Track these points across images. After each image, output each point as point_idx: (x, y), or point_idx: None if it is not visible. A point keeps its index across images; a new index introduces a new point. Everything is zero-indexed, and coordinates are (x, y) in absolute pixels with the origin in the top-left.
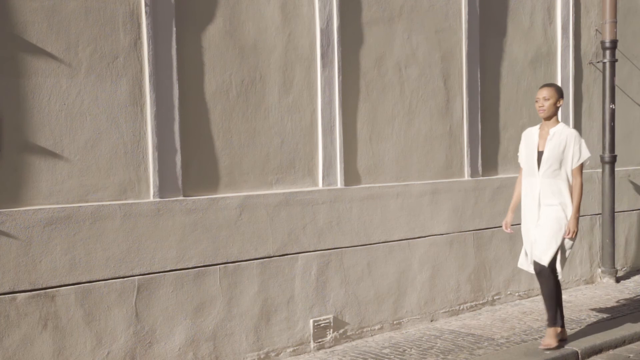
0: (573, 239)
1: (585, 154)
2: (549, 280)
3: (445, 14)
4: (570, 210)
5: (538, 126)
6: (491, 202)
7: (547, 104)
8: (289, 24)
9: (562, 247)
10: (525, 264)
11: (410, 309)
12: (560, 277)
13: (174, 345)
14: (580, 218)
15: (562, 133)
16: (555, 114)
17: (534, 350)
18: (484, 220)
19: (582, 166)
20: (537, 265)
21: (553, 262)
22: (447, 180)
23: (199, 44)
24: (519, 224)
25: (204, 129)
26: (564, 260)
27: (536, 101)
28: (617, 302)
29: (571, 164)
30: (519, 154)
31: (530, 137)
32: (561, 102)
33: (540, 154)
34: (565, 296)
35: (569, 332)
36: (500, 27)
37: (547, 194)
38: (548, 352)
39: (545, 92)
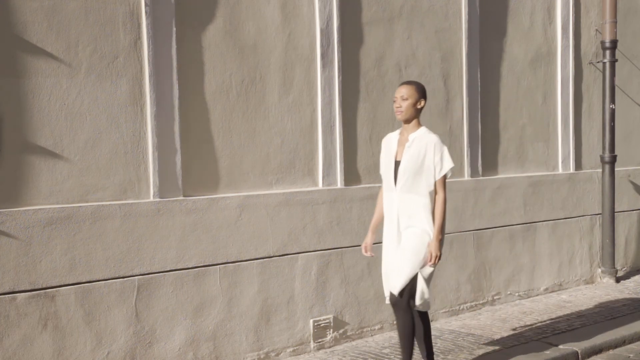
0: (434, 265)
1: (448, 164)
2: (405, 314)
3: (445, 14)
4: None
5: (398, 131)
6: (491, 202)
7: (405, 104)
8: (289, 24)
9: (427, 277)
10: (385, 284)
11: None
12: (420, 307)
13: (174, 345)
14: (580, 218)
15: (422, 139)
16: (415, 116)
17: (533, 350)
18: (484, 220)
19: (445, 178)
20: (392, 296)
21: (410, 293)
22: (447, 180)
23: (199, 44)
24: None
25: (204, 129)
26: (424, 291)
27: (394, 101)
28: (617, 302)
29: (433, 175)
30: (381, 163)
31: (389, 144)
32: (423, 104)
33: (397, 164)
34: (565, 296)
35: (570, 331)
36: (500, 27)
37: (406, 212)
38: (548, 351)
39: (403, 91)
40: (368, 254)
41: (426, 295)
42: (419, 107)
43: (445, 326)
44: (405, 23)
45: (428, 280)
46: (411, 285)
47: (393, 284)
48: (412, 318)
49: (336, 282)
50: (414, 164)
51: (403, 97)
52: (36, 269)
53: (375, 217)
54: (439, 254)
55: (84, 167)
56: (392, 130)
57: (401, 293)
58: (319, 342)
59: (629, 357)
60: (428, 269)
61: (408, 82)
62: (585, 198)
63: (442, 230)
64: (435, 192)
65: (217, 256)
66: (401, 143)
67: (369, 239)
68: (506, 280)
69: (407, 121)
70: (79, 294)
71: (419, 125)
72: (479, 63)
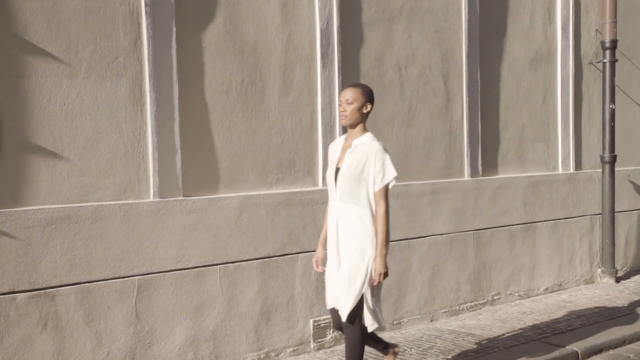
0: (381, 282)
1: (390, 173)
2: (354, 332)
3: (445, 14)
4: (374, 248)
5: (344, 136)
6: (491, 202)
7: (350, 108)
8: (289, 24)
9: (372, 295)
10: (327, 299)
11: (410, 309)
12: (374, 329)
13: (174, 345)
14: (580, 218)
15: (364, 146)
16: (360, 121)
17: (533, 350)
18: (484, 220)
19: (387, 189)
20: (335, 317)
21: (356, 313)
22: (447, 180)
23: (199, 44)
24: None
25: (204, 129)
26: (374, 311)
27: (339, 104)
28: (617, 302)
29: (373, 185)
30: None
31: (334, 150)
32: (369, 108)
33: (338, 172)
34: (565, 296)
35: (570, 331)
36: (500, 27)
37: (346, 224)
38: (548, 352)
39: (348, 94)
40: (319, 269)
41: (378, 317)
42: (364, 111)
43: (445, 326)
44: (405, 23)
45: (377, 300)
46: (357, 307)
47: (341, 309)
48: (361, 334)
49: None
50: (354, 171)
51: (348, 100)
52: (36, 269)
53: (324, 230)
54: (384, 271)
55: (84, 167)
56: (392, 129)
57: (349, 318)
58: (319, 342)
59: (629, 357)
60: (374, 290)
61: (354, 85)
62: (585, 198)
63: (385, 245)
64: (375, 202)
65: (217, 256)
66: (344, 149)
67: (319, 254)
68: (506, 280)
69: (352, 126)
70: (79, 294)
71: (365, 130)
72: (479, 63)
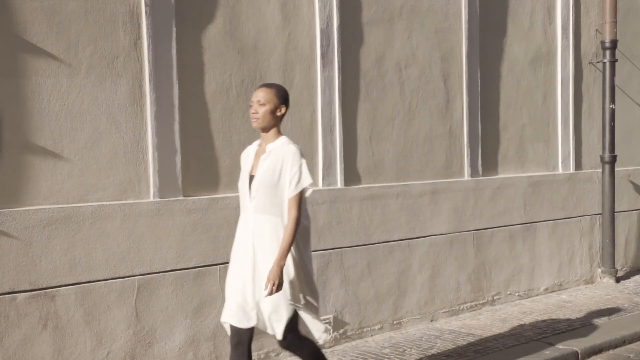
0: (271, 294)
1: (306, 179)
2: (303, 346)
3: (445, 14)
4: (297, 258)
5: (258, 142)
6: (491, 202)
7: (262, 110)
8: (289, 24)
9: (306, 308)
10: (226, 316)
11: (410, 309)
12: (320, 341)
13: (174, 345)
14: (580, 218)
15: (279, 150)
16: (274, 125)
17: (533, 350)
18: (484, 220)
19: (301, 195)
20: (236, 335)
21: (292, 327)
22: (447, 180)
23: (199, 44)
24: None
25: (204, 129)
26: (317, 324)
27: (250, 106)
28: (617, 302)
29: (287, 191)
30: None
31: (247, 157)
32: (283, 110)
33: (252, 180)
34: (565, 296)
35: (570, 331)
36: (500, 27)
37: (263, 236)
38: (548, 351)
39: (260, 95)
40: None
41: (321, 327)
42: (278, 114)
43: (445, 326)
44: (405, 23)
45: (315, 311)
46: (292, 323)
47: (273, 328)
48: (313, 345)
49: (336, 282)
50: (270, 178)
51: (260, 102)
52: (36, 269)
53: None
54: (277, 281)
55: (84, 167)
56: (392, 129)
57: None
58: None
59: (629, 357)
60: (309, 305)
61: (267, 85)
62: (585, 198)
63: (285, 255)
64: (288, 208)
65: (217, 256)
66: (258, 155)
67: None
68: (506, 280)
69: (265, 130)
70: (79, 294)
71: (279, 134)
72: (479, 63)
